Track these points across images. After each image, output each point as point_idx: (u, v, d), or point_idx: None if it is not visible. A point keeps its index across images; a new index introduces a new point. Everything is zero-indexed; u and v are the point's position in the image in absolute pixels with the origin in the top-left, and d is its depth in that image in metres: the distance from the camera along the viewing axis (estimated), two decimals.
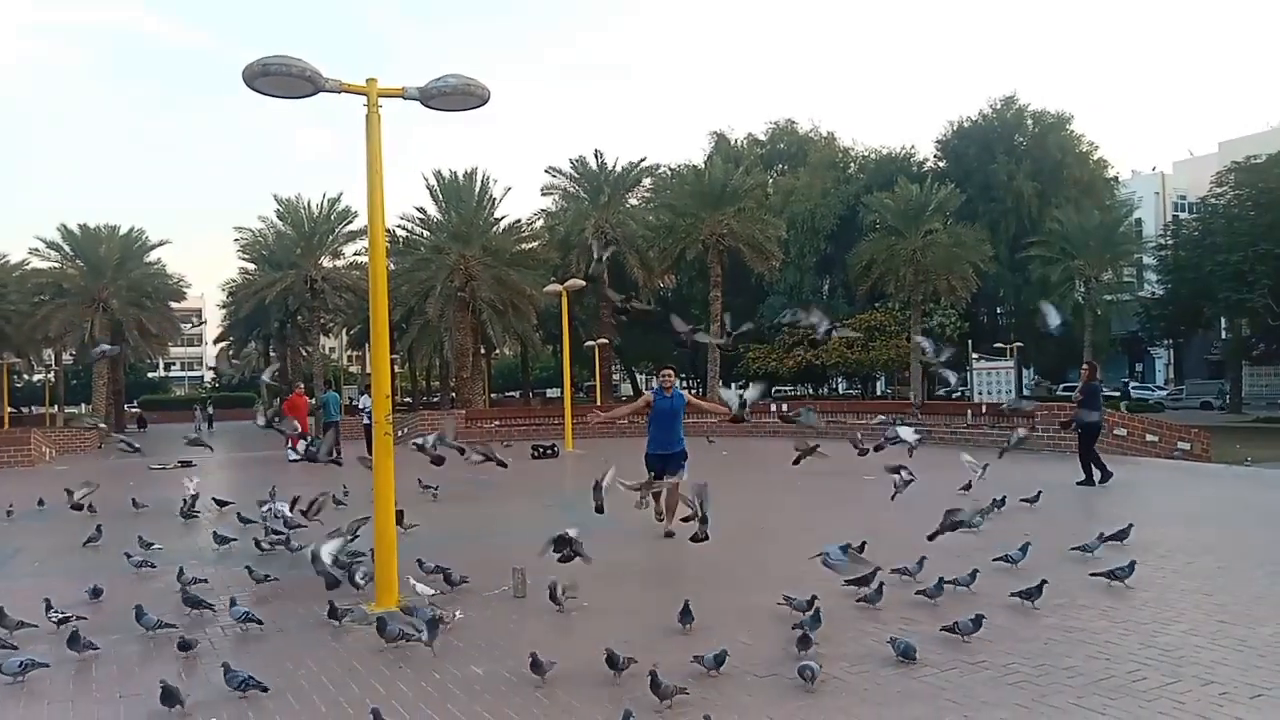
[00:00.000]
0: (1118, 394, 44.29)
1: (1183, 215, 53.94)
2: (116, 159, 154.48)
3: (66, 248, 40.02)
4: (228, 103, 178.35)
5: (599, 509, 7.57)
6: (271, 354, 52.91)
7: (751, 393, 8.38)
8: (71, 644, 5.15)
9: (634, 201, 42.42)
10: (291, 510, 8.88)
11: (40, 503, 12.03)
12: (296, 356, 47.23)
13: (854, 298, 43.17)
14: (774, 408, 25.21)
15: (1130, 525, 7.52)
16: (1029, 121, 47.62)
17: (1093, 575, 6.34)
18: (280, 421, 9.81)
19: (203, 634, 5.66)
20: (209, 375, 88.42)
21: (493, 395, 50.73)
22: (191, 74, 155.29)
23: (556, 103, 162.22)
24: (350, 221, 41.13)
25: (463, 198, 36.58)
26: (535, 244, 39.07)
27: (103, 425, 29.38)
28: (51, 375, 48.74)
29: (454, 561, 7.06)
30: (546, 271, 35.64)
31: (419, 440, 7.81)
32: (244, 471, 18.65)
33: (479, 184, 36.79)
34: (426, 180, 37.39)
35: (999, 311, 50.23)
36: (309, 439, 18.04)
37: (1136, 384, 54.46)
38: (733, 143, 53.25)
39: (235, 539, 8.71)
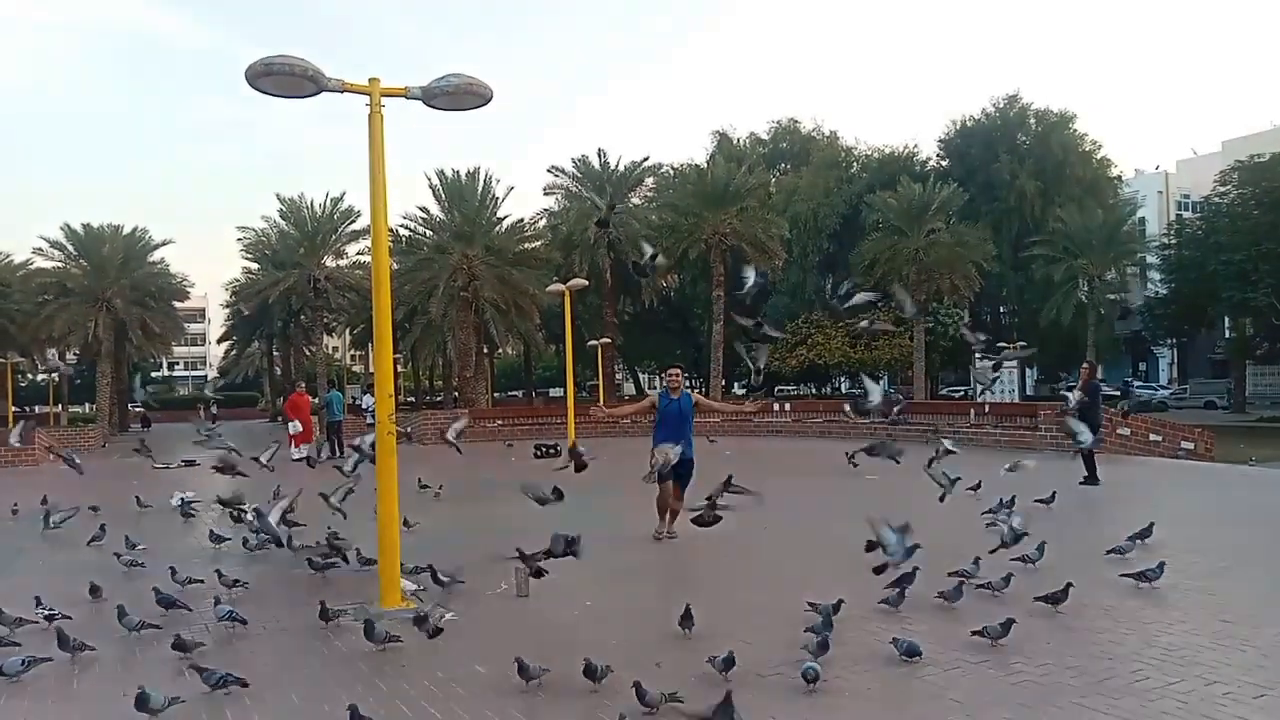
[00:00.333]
0: (1118, 393, 44.28)
1: (1186, 214, 53.88)
2: (120, 158, 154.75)
3: (70, 247, 40.09)
4: (231, 102, 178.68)
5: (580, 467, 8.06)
6: (276, 353, 52.96)
7: (662, 458, 7.85)
8: (61, 644, 5.10)
9: (637, 201, 42.43)
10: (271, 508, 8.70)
11: (43, 501, 12.05)
12: (300, 356, 47.31)
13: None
14: (780, 406, 25.19)
15: (1152, 524, 7.46)
16: (1032, 120, 47.54)
17: (1122, 576, 6.31)
18: (212, 436, 9.59)
19: (186, 634, 5.60)
20: (212, 375, 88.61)
21: (495, 394, 50.74)
22: (195, 73, 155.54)
23: (559, 102, 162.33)
24: (353, 221, 41.16)
25: (465, 197, 36.58)
26: (538, 243, 39.08)
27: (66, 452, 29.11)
28: (55, 375, 48.82)
29: (456, 560, 7.08)
30: (549, 271, 35.64)
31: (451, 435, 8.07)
32: (249, 471, 18.64)
33: (482, 183, 36.81)
34: (429, 179, 37.40)
35: (1002, 311, 50.17)
36: (308, 449, 18.13)
37: (1140, 383, 54.39)
38: (735, 142, 53.24)
39: (230, 538, 8.76)
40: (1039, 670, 4.62)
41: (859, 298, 9.64)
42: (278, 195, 49.66)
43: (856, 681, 4.55)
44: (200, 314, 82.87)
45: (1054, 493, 9.84)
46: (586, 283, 25.20)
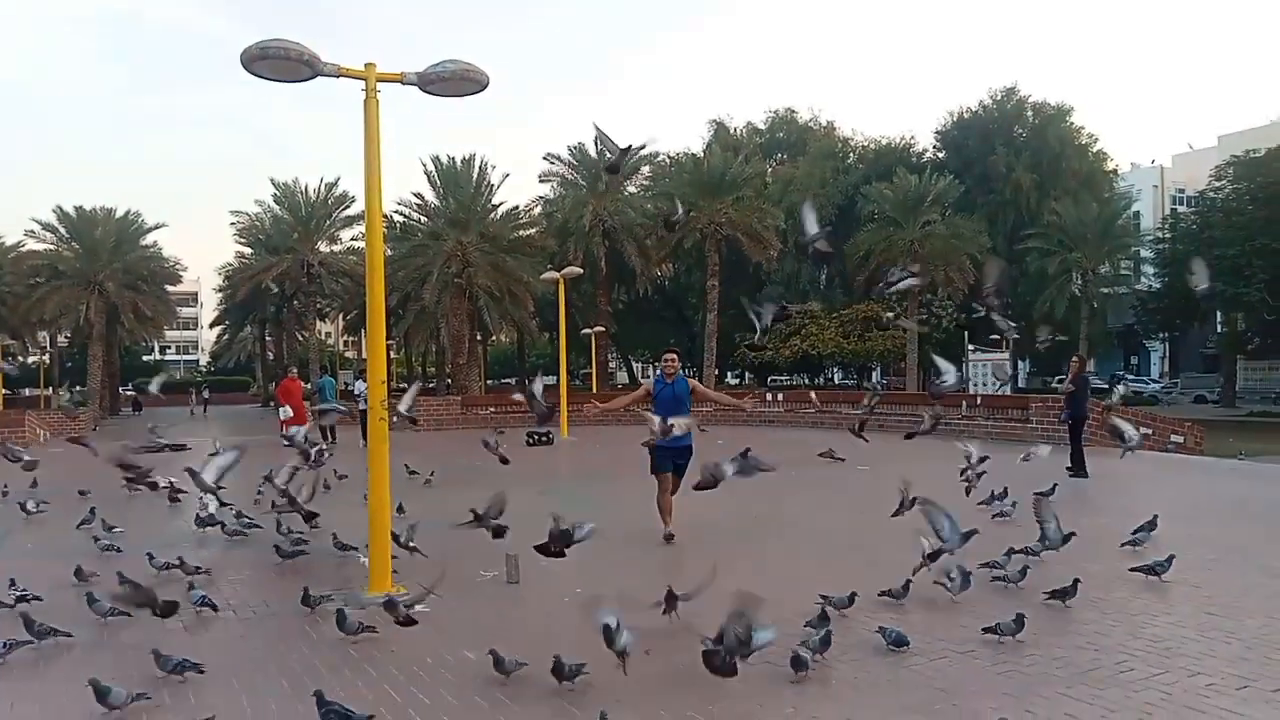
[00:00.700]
0: (1106, 387, 44.42)
1: (1181, 209, 53.99)
2: (114, 141, 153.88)
3: (62, 230, 39.93)
4: (226, 86, 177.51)
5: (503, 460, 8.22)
6: (269, 338, 52.84)
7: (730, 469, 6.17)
8: (28, 629, 5.00)
9: (632, 189, 42.33)
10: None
11: (34, 485, 12.03)
12: (292, 341, 47.20)
13: (851, 288, 43.21)
14: (772, 396, 25.21)
15: (1156, 516, 7.49)
16: (1029, 113, 47.54)
17: (1132, 570, 6.33)
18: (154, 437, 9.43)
19: (155, 620, 5.53)
20: (204, 359, 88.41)
21: (489, 382, 50.74)
22: (189, 56, 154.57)
23: (556, 90, 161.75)
24: (347, 206, 41.07)
25: (460, 184, 36.49)
26: (533, 231, 39.01)
27: (81, 408, 29.10)
28: (47, 358, 48.64)
29: (447, 547, 7.09)
30: (543, 258, 35.60)
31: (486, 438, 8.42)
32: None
33: (477, 170, 36.72)
34: (425, 166, 37.29)
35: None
36: (311, 444, 18.05)
37: (1132, 377, 54.58)
38: (732, 131, 53.14)
39: (220, 522, 8.74)
40: (1025, 660, 4.65)
41: (904, 284, 9.47)
42: (272, 180, 49.51)
43: (843, 670, 4.57)
44: (193, 298, 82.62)
45: (1054, 485, 9.89)
46: (581, 271, 25.21)
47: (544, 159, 42.55)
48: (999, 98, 47.92)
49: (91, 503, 9.71)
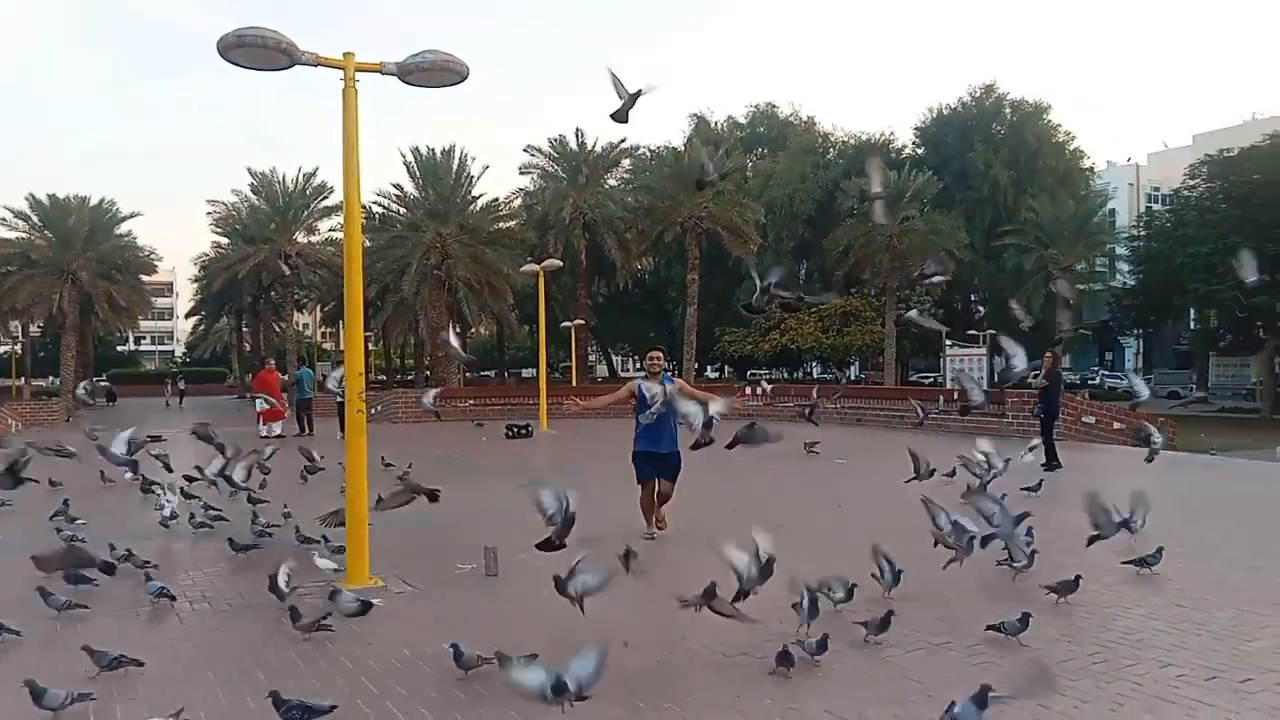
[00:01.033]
0: (1078, 382, 44.94)
1: (1155, 207, 54.60)
2: (87, 129, 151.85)
3: (35, 218, 39.41)
4: (203, 74, 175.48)
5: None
6: (246, 328, 52.45)
7: (719, 407, 5.74)
8: None
9: (613, 182, 42.29)
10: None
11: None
12: (269, 332, 46.86)
13: (830, 283, 43.39)
14: (759, 389, 25.21)
15: (1142, 509, 7.52)
16: (1007, 110, 47.86)
17: (1124, 564, 6.39)
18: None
19: (112, 608, 5.52)
20: (180, 350, 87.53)
21: (468, 374, 50.57)
22: (166, 44, 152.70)
23: (537, 82, 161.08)
24: (325, 197, 40.81)
25: (440, 175, 36.34)
26: (513, 223, 38.90)
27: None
28: (18, 347, 48.05)
29: (426, 539, 7.07)
30: (523, 251, 35.52)
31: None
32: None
33: (456, 161, 36.59)
34: (404, 156, 37.12)
35: (973, 299, 50.67)
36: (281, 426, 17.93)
37: (1107, 372, 55.14)
38: (712, 125, 53.15)
39: (181, 515, 8.64)
40: (999, 652, 4.70)
41: (937, 279, 9.40)
42: (249, 169, 49.23)
43: (821, 661, 4.59)
44: (168, 288, 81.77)
45: (1040, 481, 10.00)
46: (561, 264, 25.13)
47: (524, 150, 42.47)
48: (978, 95, 48.23)
49: (64, 494, 9.58)
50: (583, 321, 36.59)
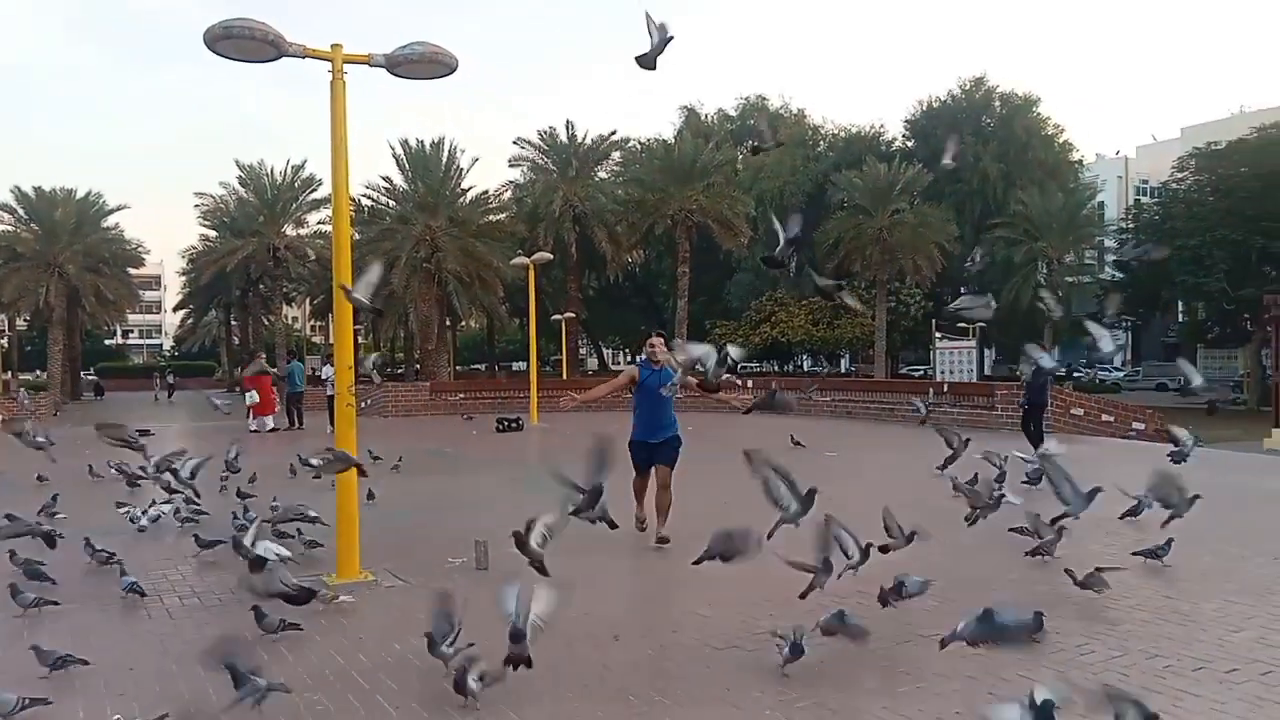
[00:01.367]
0: (1063, 374, 45.11)
1: (1144, 199, 54.83)
2: (73, 122, 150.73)
3: (20, 210, 39.12)
4: (190, 66, 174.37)
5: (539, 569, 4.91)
6: (234, 322, 52.20)
7: (735, 351, 5.49)
8: None
9: (603, 175, 42.23)
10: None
11: None
12: (258, 325, 46.65)
13: (820, 274, 43.45)
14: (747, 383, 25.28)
15: (1171, 539, 7.55)
16: (997, 103, 47.99)
17: (1134, 555, 6.42)
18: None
19: (84, 615, 5.45)
20: (168, 344, 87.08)
21: (458, 368, 50.45)
22: (152, 36, 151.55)
23: (526, 75, 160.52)
24: (314, 189, 40.61)
25: (429, 167, 36.22)
26: (503, 216, 38.81)
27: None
28: (5, 341, 47.73)
29: (417, 533, 7.07)
30: (513, 244, 35.43)
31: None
32: (205, 442, 18.41)
33: (446, 154, 36.47)
34: (393, 149, 36.97)
35: (962, 292, 50.74)
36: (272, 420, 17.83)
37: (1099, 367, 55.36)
38: (703, 118, 53.13)
39: (180, 510, 8.60)
40: (996, 648, 4.71)
41: (976, 317, 9.20)
42: (237, 161, 48.89)
43: (808, 653, 4.60)
44: (156, 281, 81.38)
45: (1040, 472, 10.02)
46: (551, 256, 25.12)
47: (514, 143, 42.38)
48: (968, 87, 48.35)
49: (51, 489, 9.53)
50: (573, 314, 36.59)
